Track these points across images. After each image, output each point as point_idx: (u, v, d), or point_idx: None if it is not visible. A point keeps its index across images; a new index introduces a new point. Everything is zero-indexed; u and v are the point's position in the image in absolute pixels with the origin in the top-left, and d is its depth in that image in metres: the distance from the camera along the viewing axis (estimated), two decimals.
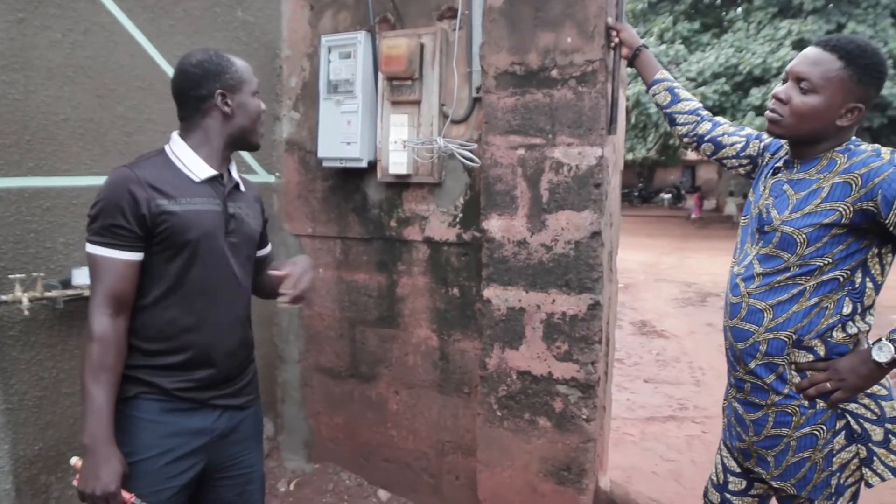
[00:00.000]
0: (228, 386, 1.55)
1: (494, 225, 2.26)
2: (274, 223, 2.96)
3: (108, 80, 2.22)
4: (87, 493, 1.33)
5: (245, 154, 2.77)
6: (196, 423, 1.49)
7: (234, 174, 1.58)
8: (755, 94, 12.77)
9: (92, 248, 1.38)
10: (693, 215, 21.46)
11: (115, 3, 2.21)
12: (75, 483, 1.36)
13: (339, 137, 2.61)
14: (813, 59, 1.41)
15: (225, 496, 1.60)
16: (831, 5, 12.67)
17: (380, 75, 2.55)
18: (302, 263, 1.60)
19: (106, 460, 1.33)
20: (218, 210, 1.49)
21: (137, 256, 1.39)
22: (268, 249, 1.76)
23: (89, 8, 2.14)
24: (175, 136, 1.52)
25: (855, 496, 1.49)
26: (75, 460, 1.40)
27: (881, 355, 1.35)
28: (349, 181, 2.76)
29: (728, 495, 1.68)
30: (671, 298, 8.24)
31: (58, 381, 2.14)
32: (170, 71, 2.42)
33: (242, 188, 1.61)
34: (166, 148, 1.50)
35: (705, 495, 1.78)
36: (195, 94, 1.47)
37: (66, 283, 2.06)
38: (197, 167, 1.48)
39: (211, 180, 1.49)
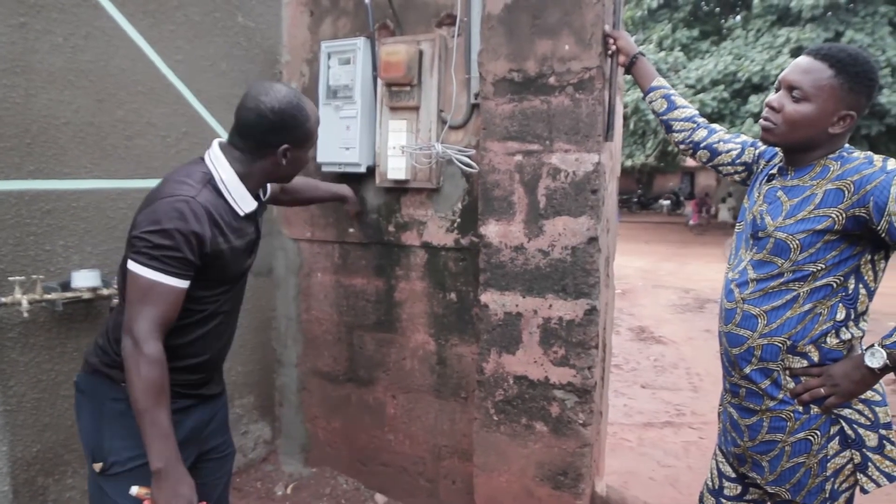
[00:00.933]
0: (216, 376, 1.67)
1: (492, 230, 2.27)
2: (273, 227, 2.98)
3: (109, 84, 2.23)
4: None
5: None
6: (192, 421, 1.57)
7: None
8: (754, 102, 12.81)
9: (152, 274, 1.35)
10: (691, 222, 21.49)
11: (116, 7, 2.23)
12: None
13: (338, 143, 2.62)
14: (804, 68, 1.43)
15: (208, 479, 1.68)
16: (830, 14, 12.71)
17: (379, 81, 2.56)
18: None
19: (183, 478, 1.35)
20: (253, 238, 1.58)
21: (188, 284, 1.42)
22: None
23: (90, 12, 2.15)
24: (221, 156, 1.49)
25: (849, 501, 1.49)
26: (136, 490, 1.39)
27: (874, 361, 1.36)
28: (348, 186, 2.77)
29: (724, 500, 1.69)
30: (669, 304, 8.25)
31: (56, 384, 2.15)
32: (170, 75, 2.43)
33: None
34: (212, 170, 1.47)
35: (701, 500, 1.78)
36: (263, 139, 1.47)
37: (66, 286, 2.07)
38: (244, 201, 1.50)
39: (254, 212, 1.55)
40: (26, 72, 2.00)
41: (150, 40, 2.35)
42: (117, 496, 1.44)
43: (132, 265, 1.37)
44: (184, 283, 1.40)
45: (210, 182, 1.46)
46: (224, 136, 2.67)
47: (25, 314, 1.94)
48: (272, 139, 1.47)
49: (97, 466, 1.47)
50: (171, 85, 2.44)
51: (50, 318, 2.11)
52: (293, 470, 3.03)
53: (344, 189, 2.47)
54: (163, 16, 2.38)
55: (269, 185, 1.78)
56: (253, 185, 1.52)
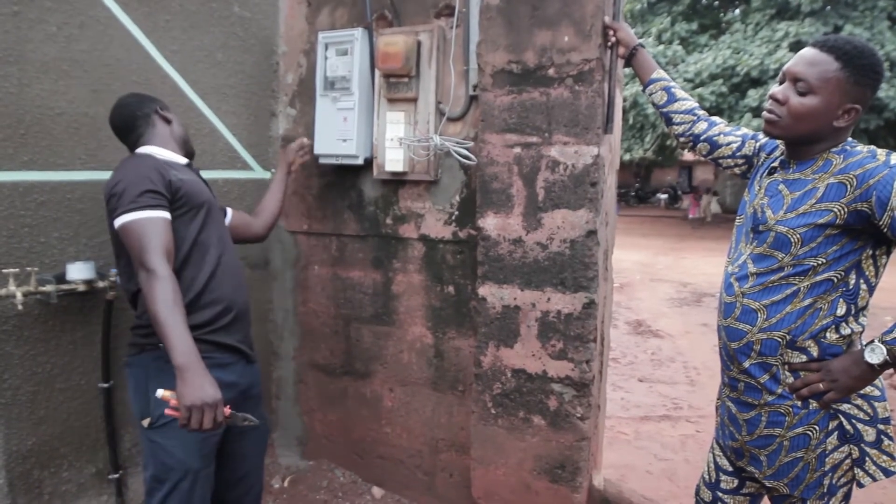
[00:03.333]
0: (245, 332, 1.81)
1: (490, 223, 2.26)
2: None
3: (104, 74, 2.21)
4: (197, 405, 1.41)
5: (241, 150, 2.76)
6: (228, 376, 1.69)
7: None
8: (752, 96, 12.80)
9: (130, 216, 1.55)
10: (690, 215, 21.53)
11: None
12: (170, 412, 1.44)
13: (336, 134, 2.60)
14: (810, 60, 1.41)
15: (248, 450, 1.86)
16: (828, 7, 12.70)
17: (377, 72, 2.54)
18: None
19: (204, 373, 1.45)
20: (202, 178, 1.86)
21: (170, 216, 1.62)
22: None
23: (85, 2, 2.13)
24: (142, 149, 1.81)
25: (847, 496, 1.49)
26: (161, 392, 1.46)
27: (873, 357, 1.35)
28: (345, 178, 2.76)
29: (720, 493, 1.69)
30: (666, 298, 8.26)
31: (51, 377, 2.14)
32: (166, 66, 2.41)
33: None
34: (144, 152, 1.80)
35: (697, 493, 1.78)
36: (141, 112, 1.81)
37: (61, 278, 2.05)
38: (175, 157, 1.82)
39: (188, 165, 1.84)
40: (20, 61, 1.98)
41: (146, 30, 2.32)
42: (167, 443, 1.60)
43: (118, 223, 1.57)
44: (164, 213, 1.60)
45: (151, 157, 1.75)
46: (221, 127, 2.67)
47: (20, 307, 1.93)
48: (146, 109, 1.82)
49: (146, 422, 1.63)
50: (167, 76, 2.42)
51: (45, 310, 2.09)
52: (290, 462, 3.03)
53: (281, 161, 2.44)
54: (158, 5, 2.36)
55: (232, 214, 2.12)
56: (174, 150, 1.85)
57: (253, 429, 1.73)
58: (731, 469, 1.66)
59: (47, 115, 2.06)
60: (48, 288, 2.00)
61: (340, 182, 2.77)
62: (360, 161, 2.59)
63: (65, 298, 2.08)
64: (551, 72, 2.11)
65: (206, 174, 1.96)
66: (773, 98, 1.46)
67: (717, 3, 16.75)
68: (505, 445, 2.29)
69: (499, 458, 2.31)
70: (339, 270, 2.83)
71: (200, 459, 1.63)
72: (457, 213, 2.50)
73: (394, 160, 2.51)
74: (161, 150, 1.79)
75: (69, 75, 2.11)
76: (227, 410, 1.48)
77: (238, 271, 1.84)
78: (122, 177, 1.60)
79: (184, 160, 1.84)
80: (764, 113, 1.50)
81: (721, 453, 1.69)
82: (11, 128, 1.98)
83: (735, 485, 1.66)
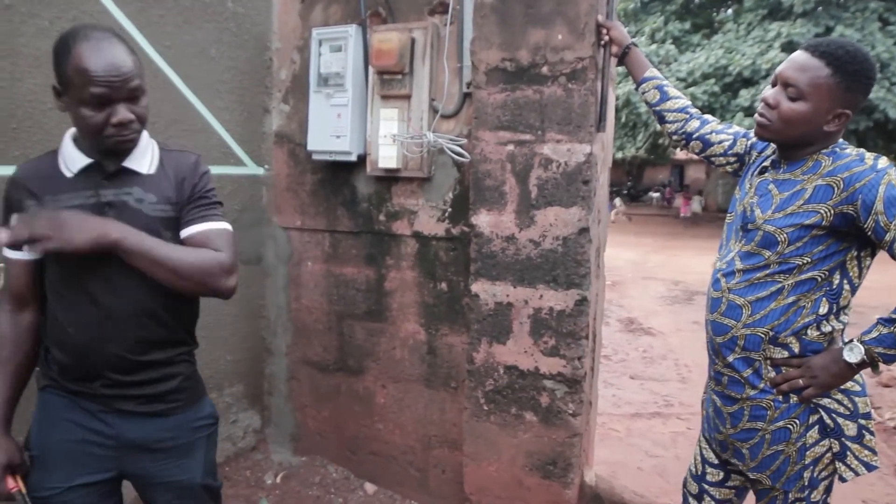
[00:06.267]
0: (131, 389, 1.41)
1: (483, 220, 2.27)
2: (262, 216, 2.96)
3: None
4: None
5: (234, 146, 2.76)
6: (94, 424, 1.42)
7: (132, 160, 1.39)
8: (744, 96, 12.86)
9: None
10: (682, 213, 21.64)
11: None
12: None
13: (329, 131, 2.61)
14: (801, 65, 1.41)
15: (153, 498, 1.52)
16: (820, 9, 12.77)
17: (370, 69, 2.55)
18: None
19: None
20: (89, 203, 1.35)
21: (28, 255, 1.37)
22: (192, 231, 1.43)
23: None
24: (71, 129, 1.42)
25: (828, 489, 1.52)
26: None
27: (852, 356, 1.38)
28: (338, 175, 2.76)
29: (706, 486, 1.71)
30: (658, 296, 8.30)
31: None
32: (159, 61, 2.40)
33: (146, 170, 1.41)
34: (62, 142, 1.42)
35: (684, 485, 1.81)
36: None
37: None
38: (72, 160, 1.37)
39: (86, 171, 1.36)
40: (11, 55, 1.97)
41: (139, 25, 2.32)
42: None
43: None
44: (18, 254, 1.38)
45: (51, 152, 1.43)
46: (214, 123, 2.66)
47: None
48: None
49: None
50: (160, 70, 2.41)
51: None
52: (283, 459, 3.04)
53: None
54: (152, 0, 2.35)
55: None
56: (86, 145, 1.37)
57: (171, 482, 1.48)
58: (716, 462, 1.69)
59: (39, 109, 2.05)
60: None
61: (334, 178, 2.77)
62: (353, 158, 2.59)
63: None
64: (545, 70, 2.12)
65: None
66: (765, 102, 1.47)
67: (709, 2, 16.81)
68: (497, 441, 2.31)
69: (491, 454, 2.32)
70: (332, 267, 2.84)
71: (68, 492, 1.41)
72: (450, 209, 2.51)
73: (387, 157, 2.51)
74: (67, 147, 1.40)
75: None
76: (13, 485, 1.36)
77: (117, 319, 1.37)
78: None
79: (79, 165, 1.37)
80: (756, 116, 1.52)
81: (707, 446, 1.71)
82: (3, 122, 1.97)
83: (721, 477, 1.69)
